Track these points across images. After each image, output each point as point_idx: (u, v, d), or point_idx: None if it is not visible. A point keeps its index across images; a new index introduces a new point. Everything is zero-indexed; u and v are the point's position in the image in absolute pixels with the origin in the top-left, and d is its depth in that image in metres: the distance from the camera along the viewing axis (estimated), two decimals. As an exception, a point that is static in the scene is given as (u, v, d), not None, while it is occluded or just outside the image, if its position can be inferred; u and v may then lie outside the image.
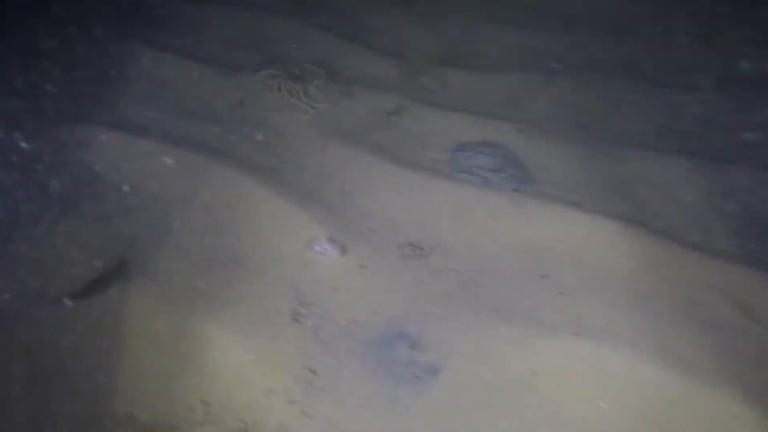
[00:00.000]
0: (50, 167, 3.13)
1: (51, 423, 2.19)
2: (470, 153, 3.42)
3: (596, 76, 4.04)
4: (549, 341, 2.31)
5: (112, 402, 2.26)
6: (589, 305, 2.51)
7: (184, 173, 3.21)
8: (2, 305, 2.46)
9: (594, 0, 4.88)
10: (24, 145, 3.21)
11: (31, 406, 2.19)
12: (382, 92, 3.89)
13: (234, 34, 4.37)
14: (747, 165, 3.22)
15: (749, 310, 2.52)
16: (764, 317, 2.48)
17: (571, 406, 2.15)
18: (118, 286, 2.60)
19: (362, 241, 2.92)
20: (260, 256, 2.85)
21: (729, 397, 2.10)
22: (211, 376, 2.36)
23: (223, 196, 3.12)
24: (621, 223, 2.86)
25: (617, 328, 2.37)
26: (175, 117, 3.62)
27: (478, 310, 2.54)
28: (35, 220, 2.84)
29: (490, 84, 4.03)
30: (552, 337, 2.32)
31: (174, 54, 4.04)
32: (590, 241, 2.82)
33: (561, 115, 3.75)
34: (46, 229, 2.79)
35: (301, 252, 2.85)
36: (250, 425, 2.23)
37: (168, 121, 3.57)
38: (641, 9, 4.77)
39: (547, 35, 4.46)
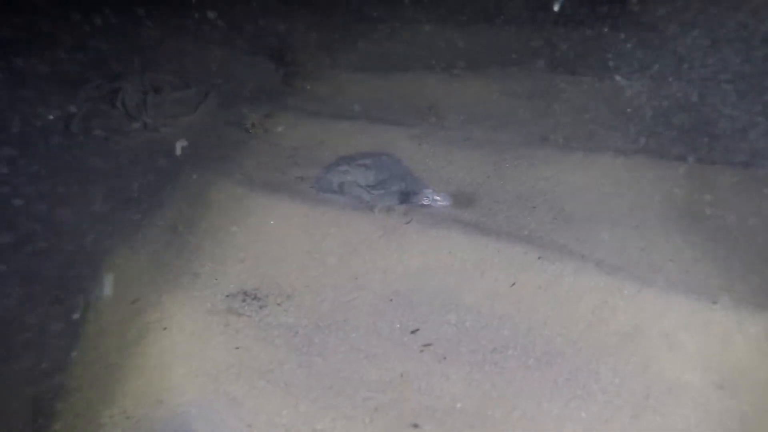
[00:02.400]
0: None
1: None
2: (346, 167, 2.65)
3: (507, 69, 3.31)
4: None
5: None
6: (458, 369, 1.69)
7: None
8: None
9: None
10: None
11: None
12: (252, 100, 3.18)
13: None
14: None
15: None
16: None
17: None
18: None
19: (174, 293, 2.13)
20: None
21: None
22: None
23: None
24: (521, 246, 2.06)
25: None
26: None
27: (299, 389, 1.71)
28: None
29: (389, 86, 3.32)
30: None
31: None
32: (484, 276, 2.02)
33: (467, 115, 3.01)
34: None
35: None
36: None
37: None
38: None
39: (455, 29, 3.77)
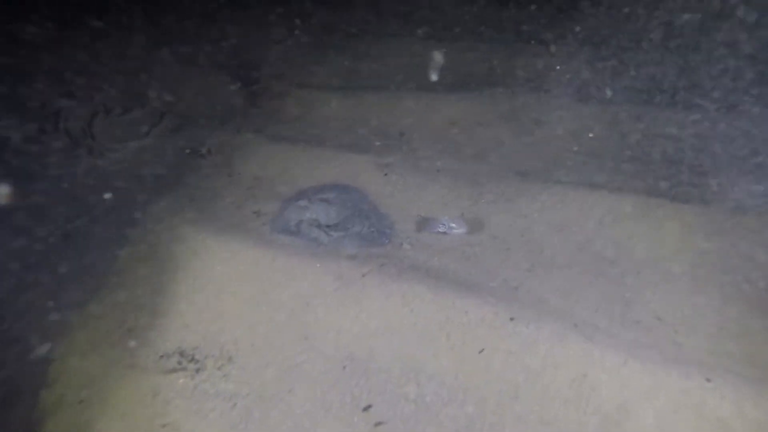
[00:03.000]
0: None
1: None
2: (306, 202, 2.40)
3: (488, 91, 3.08)
4: None
5: None
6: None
7: None
8: None
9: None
10: None
11: None
12: (211, 123, 2.93)
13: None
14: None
15: None
16: None
17: None
18: None
19: (98, 351, 1.87)
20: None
21: None
22: None
23: None
24: (491, 305, 1.82)
25: None
26: None
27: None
28: None
29: (359, 107, 3.08)
30: None
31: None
32: (449, 339, 1.78)
33: (441, 143, 2.78)
34: None
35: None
36: None
37: None
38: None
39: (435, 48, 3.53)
